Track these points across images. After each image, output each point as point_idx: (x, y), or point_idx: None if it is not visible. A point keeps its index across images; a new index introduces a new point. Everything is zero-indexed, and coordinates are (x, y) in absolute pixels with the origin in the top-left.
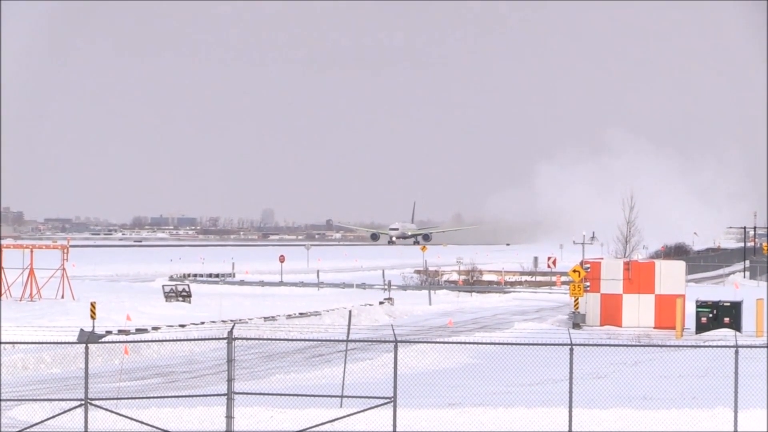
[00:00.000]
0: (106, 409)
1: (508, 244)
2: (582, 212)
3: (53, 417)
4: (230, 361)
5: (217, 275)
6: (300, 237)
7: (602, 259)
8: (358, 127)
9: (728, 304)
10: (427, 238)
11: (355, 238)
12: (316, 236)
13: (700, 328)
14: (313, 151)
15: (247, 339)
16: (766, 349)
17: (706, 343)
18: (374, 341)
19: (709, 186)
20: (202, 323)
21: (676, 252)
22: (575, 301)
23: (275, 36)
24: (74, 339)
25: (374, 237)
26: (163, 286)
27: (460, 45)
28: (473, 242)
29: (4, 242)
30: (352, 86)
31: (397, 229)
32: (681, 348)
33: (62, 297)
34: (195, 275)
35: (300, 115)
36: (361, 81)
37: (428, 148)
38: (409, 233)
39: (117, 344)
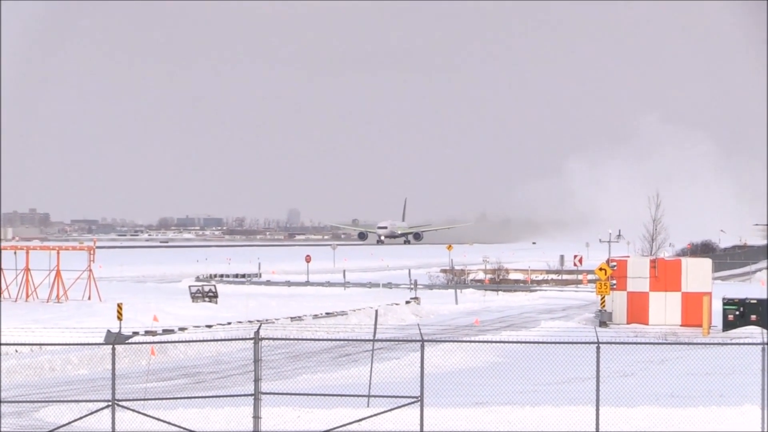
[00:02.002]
0: (133, 410)
1: (534, 243)
2: (608, 210)
3: (80, 418)
4: (257, 361)
5: (243, 275)
6: (326, 237)
7: (629, 257)
8: (383, 126)
9: (755, 301)
10: (418, 236)
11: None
12: (342, 236)
13: (727, 325)
14: (338, 151)
15: (273, 339)
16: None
17: (733, 341)
18: (401, 341)
19: (738, 182)
20: (229, 324)
21: (703, 249)
22: (602, 299)
23: (298, 36)
24: (101, 340)
25: (362, 236)
26: (189, 286)
27: (479, 45)
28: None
29: (30, 244)
30: (377, 86)
31: (385, 228)
32: (708, 346)
33: (89, 298)
34: (221, 276)
35: (326, 115)
36: (386, 80)
37: (454, 147)
38: (399, 232)
39: (144, 345)
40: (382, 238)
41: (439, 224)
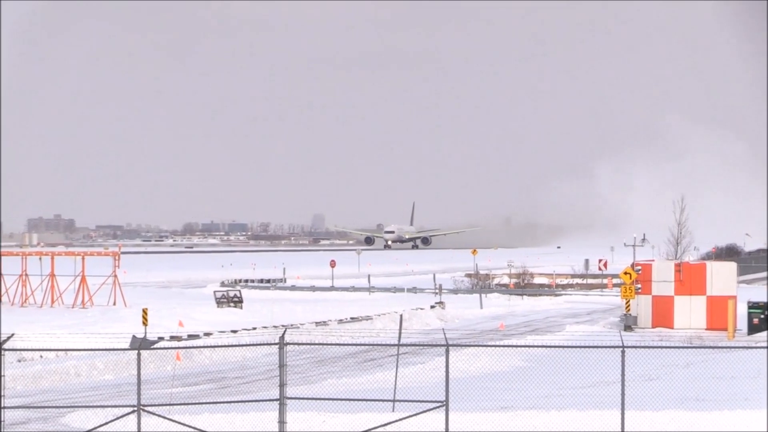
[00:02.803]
0: (159, 415)
1: (558, 247)
2: (634, 213)
3: (106, 423)
4: (282, 366)
5: (268, 281)
6: (350, 242)
7: (653, 261)
8: (410, 130)
9: None
10: (426, 241)
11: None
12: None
13: (752, 329)
14: (362, 156)
15: (298, 344)
16: None
17: (758, 344)
18: (426, 345)
19: (764, 184)
20: (254, 329)
21: (728, 253)
22: (626, 303)
23: (319, 39)
24: (126, 345)
25: (368, 240)
26: (214, 292)
27: (502, 47)
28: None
29: (55, 249)
30: (402, 88)
31: (392, 232)
32: (733, 349)
33: (114, 304)
34: (246, 281)
35: (351, 120)
36: (412, 82)
37: (478, 150)
38: (407, 236)
39: (169, 350)
40: (389, 242)
41: (463, 229)
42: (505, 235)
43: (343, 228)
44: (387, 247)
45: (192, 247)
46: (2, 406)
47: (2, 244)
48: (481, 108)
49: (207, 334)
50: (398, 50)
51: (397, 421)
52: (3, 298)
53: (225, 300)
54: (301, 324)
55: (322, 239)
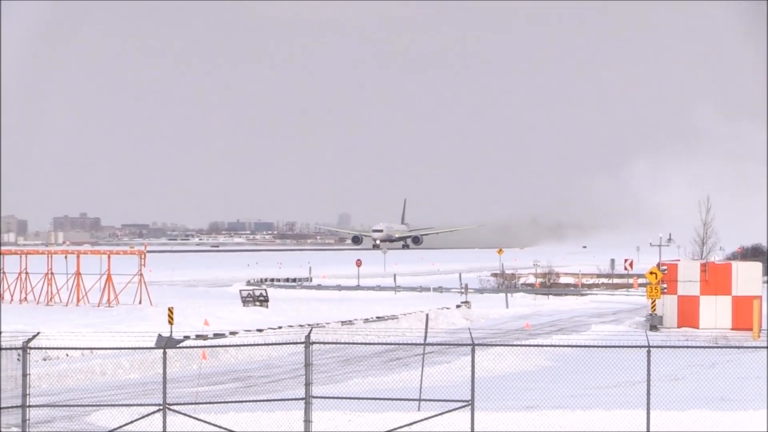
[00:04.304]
0: (185, 414)
1: (584, 247)
2: (660, 213)
3: (132, 422)
4: (308, 365)
5: (294, 280)
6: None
7: (679, 260)
8: (435, 129)
9: None
10: (417, 240)
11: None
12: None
13: None
14: (390, 155)
15: (324, 343)
16: None
17: None
18: (451, 344)
19: None
20: (280, 328)
21: (753, 253)
22: (652, 303)
23: (346, 39)
24: (152, 344)
25: (356, 240)
26: (240, 290)
27: (524, 44)
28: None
29: (81, 248)
30: (429, 88)
31: (381, 231)
32: (758, 349)
33: (140, 302)
34: (272, 280)
35: (378, 118)
36: (438, 81)
37: (502, 149)
38: (397, 235)
39: (195, 349)
40: (378, 242)
41: (456, 228)
42: (505, 235)
43: (330, 227)
44: (375, 246)
45: (218, 246)
46: (27, 404)
47: (27, 242)
48: (509, 107)
49: (233, 333)
50: (427, 48)
51: (422, 420)
52: (5, 296)
53: (251, 299)
54: (326, 323)
55: (348, 238)
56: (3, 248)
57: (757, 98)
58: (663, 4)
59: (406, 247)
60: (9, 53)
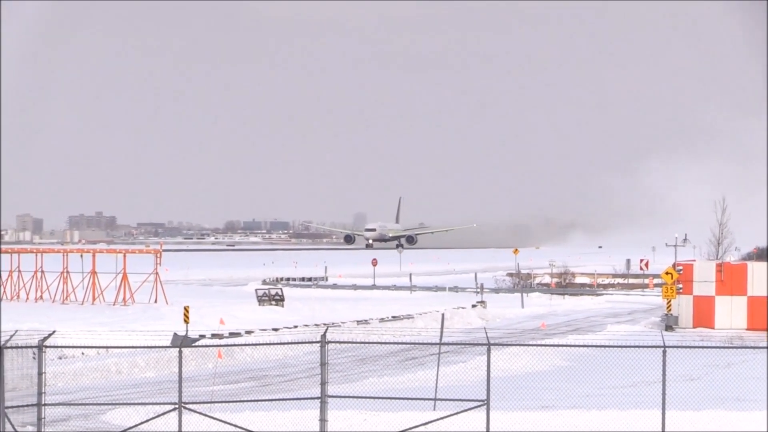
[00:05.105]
0: (200, 413)
1: (600, 247)
2: (676, 212)
3: (147, 421)
4: (324, 364)
5: (309, 279)
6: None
7: (694, 261)
8: (452, 128)
9: None
10: (411, 240)
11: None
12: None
13: None
14: (405, 155)
15: (340, 342)
16: None
17: None
18: (467, 344)
19: None
20: (295, 327)
21: None
22: (668, 303)
23: (343, 38)
24: (168, 343)
25: (348, 239)
26: (256, 290)
27: (537, 43)
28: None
29: (96, 247)
30: (443, 87)
31: (373, 230)
32: None
33: (155, 301)
34: (288, 279)
35: (394, 118)
36: (451, 81)
37: (523, 147)
38: (390, 234)
39: (210, 348)
40: (371, 241)
41: (452, 227)
42: (506, 235)
43: (322, 225)
44: (369, 246)
45: (233, 245)
46: (43, 403)
47: (43, 241)
48: (509, 106)
49: (248, 332)
50: (428, 48)
51: (438, 419)
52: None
53: (266, 298)
54: (342, 322)
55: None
56: (3, 247)
57: None
58: (677, 5)
59: (400, 246)
60: (9, 53)
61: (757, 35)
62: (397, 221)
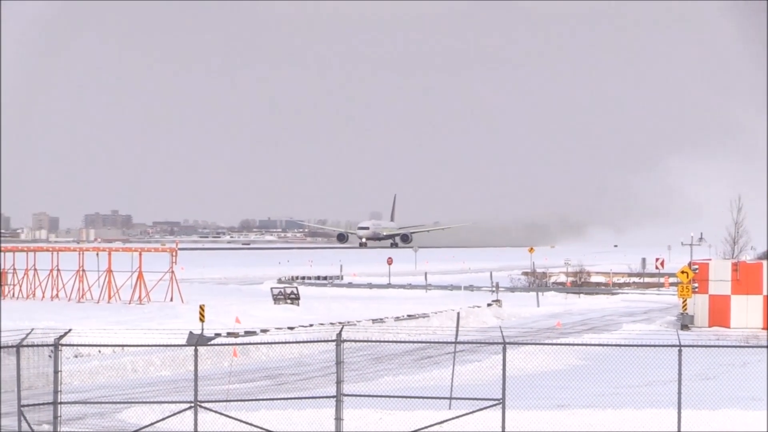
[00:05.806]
0: (216, 411)
1: (615, 246)
2: (692, 211)
3: (163, 419)
4: (339, 363)
5: (325, 278)
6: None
7: (710, 260)
8: (465, 128)
9: None
10: (406, 238)
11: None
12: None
13: None
14: (421, 153)
15: (355, 341)
16: None
17: None
18: (482, 343)
19: None
20: (311, 325)
21: None
22: (683, 302)
23: (365, 38)
24: (183, 342)
25: (341, 238)
26: (271, 288)
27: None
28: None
29: (112, 245)
30: (457, 87)
31: (367, 229)
32: None
33: (171, 300)
34: (303, 278)
35: (406, 116)
36: (465, 81)
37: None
38: (384, 233)
39: (226, 347)
40: (364, 240)
41: (448, 225)
42: (522, 233)
43: (316, 223)
44: (362, 245)
45: (249, 244)
46: (59, 401)
47: (59, 239)
48: (511, 106)
49: (264, 331)
50: (427, 48)
51: (453, 419)
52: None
53: (282, 297)
54: (357, 321)
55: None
56: (2, 246)
57: None
58: (684, 4)
59: (394, 245)
60: (9, 53)
61: None
62: (392, 219)
